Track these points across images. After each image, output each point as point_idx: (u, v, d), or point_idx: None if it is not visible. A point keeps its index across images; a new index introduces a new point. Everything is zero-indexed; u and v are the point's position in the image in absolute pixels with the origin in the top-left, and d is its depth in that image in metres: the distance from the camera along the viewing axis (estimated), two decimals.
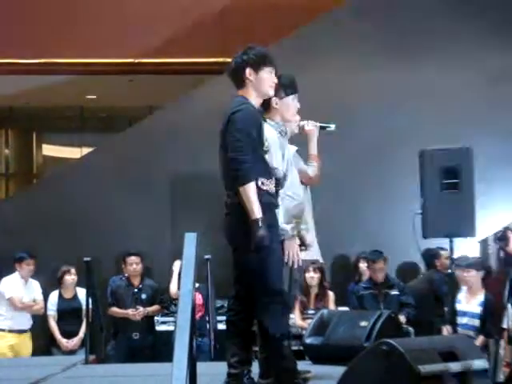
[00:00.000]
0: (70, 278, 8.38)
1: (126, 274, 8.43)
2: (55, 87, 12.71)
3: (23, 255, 8.34)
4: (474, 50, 9.05)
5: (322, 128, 5.24)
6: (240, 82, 4.45)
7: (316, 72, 8.71)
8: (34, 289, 8.41)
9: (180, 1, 12.02)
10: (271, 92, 4.50)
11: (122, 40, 11.84)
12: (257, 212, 4.18)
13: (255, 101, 4.44)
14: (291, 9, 11.57)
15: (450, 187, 6.41)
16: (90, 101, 14.27)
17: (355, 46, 8.94)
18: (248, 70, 4.41)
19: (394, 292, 7.96)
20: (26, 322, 8.31)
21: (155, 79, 12.39)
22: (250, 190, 4.20)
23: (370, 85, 8.94)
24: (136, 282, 8.43)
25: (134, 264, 8.37)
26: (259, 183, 4.32)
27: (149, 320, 8.37)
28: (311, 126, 5.23)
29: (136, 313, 8.23)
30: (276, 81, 4.50)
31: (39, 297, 8.39)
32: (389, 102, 8.95)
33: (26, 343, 8.27)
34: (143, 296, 8.37)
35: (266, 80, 4.45)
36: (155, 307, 8.41)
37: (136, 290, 8.39)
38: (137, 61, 12.12)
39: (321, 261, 5.77)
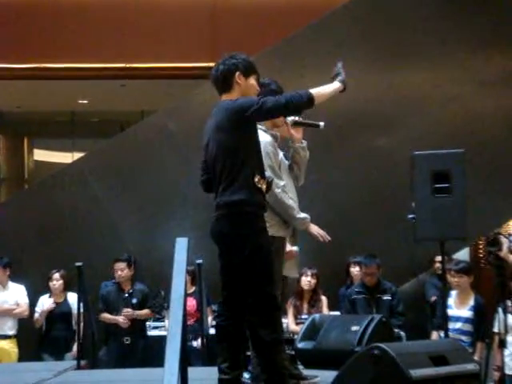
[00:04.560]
0: (52, 283, 8.36)
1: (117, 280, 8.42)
2: (46, 92, 12.70)
3: None
4: (465, 56, 9.07)
5: (311, 126, 5.24)
6: (227, 85, 4.42)
7: (306, 78, 8.71)
8: (17, 293, 8.38)
9: (171, 6, 12.04)
10: None
11: (113, 44, 11.84)
12: (332, 86, 4.44)
13: None
14: (282, 15, 11.60)
15: (441, 191, 6.43)
16: (82, 105, 14.25)
17: (346, 52, 8.95)
18: (238, 74, 4.40)
19: (387, 297, 7.94)
20: (9, 327, 8.27)
21: (147, 84, 12.38)
22: (319, 95, 4.33)
23: (362, 92, 8.94)
24: (126, 287, 8.40)
25: (119, 270, 8.32)
26: (256, 179, 4.31)
27: (140, 325, 8.35)
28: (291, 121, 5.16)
29: (124, 314, 8.19)
30: (259, 89, 4.49)
31: (22, 300, 8.35)
32: (381, 109, 8.96)
33: (9, 349, 8.22)
34: (134, 301, 8.33)
35: (252, 86, 4.45)
36: (145, 311, 8.39)
37: (126, 294, 8.36)
38: (128, 65, 12.11)
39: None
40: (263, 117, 4.39)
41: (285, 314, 7.89)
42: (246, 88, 4.42)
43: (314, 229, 5.07)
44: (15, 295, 8.38)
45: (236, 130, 4.30)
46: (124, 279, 8.34)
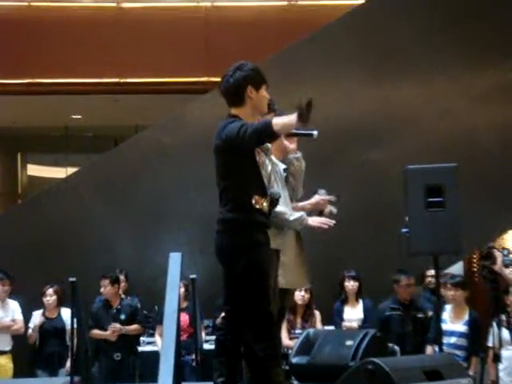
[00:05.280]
0: (46, 299, 8.32)
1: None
2: (40, 107, 12.70)
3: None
4: (458, 70, 9.10)
5: (304, 135, 5.24)
6: (239, 100, 4.37)
7: (299, 92, 8.72)
8: (13, 309, 8.34)
9: (165, 20, 12.07)
10: (266, 109, 4.45)
11: (106, 60, 11.85)
12: (290, 118, 4.07)
13: (251, 119, 4.34)
14: (275, 29, 11.63)
15: (434, 205, 6.43)
16: (75, 121, 14.25)
17: (341, 66, 8.97)
18: (249, 88, 4.35)
19: (421, 315, 7.85)
20: (5, 343, 8.23)
21: (140, 99, 12.40)
22: (278, 123, 4.07)
23: (356, 106, 8.96)
24: (114, 302, 8.37)
25: (102, 287, 8.30)
26: (252, 201, 4.31)
27: (130, 340, 8.31)
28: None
29: (112, 329, 8.16)
30: (269, 97, 4.48)
31: (18, 316, 8.31)
32: (374, 123, 8.96)
33: (6, 365, 8.18)
34: (122, 316, 8.29)
35: (264, 98, 4.41)
36: (134, 327, 8.36)
37: (114, 310, 8.32)
38: (122, 80, 12.14)
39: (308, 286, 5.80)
40: (247, 148, 4.30)
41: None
42: (258, 101, 4.38)
43: (315, 221, 5.05)
44: (11, 311, 8.34)
45: (227, 159, 4.31)
46: (108, 296, 8.30)
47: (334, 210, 5.24)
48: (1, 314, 8.28)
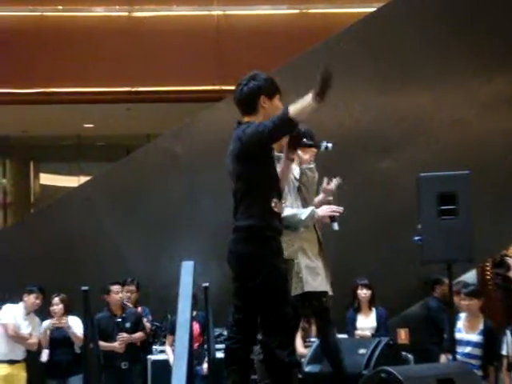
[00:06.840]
0: (52, 308, 8.28)
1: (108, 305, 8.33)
2: (52, 116, 12.73)
3: (33, 288, 8.29)
4: (469, 79, 9.09)
5: (319, 147, 5.24)
6: (252, 109, 4.42)
7: None
8: (35, 323, 8.33)
9: (176, 29, 12.10)
10: None
11: (118, 69, 11.89)
12: (304, 101, 4.13)
13: None
14: (286, 37, 11.64)
15: (447, 213, 6.41)
16: (88, 129, 14.28)
17: (351, 76, 8.96)
18: (263, 97, 4.40)
19: None
20: (19, 352, 8.23)
21: (152, 107, 12.41)
22: (293, 110, 4.12)
23: (367, 114, 8.96)
24: (118, 311, 8.34)
25: (119, 293, 8.29)
26: (272, 204, 4.32)
27: (136, 348, 8.29)
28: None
29: (120, 339, 8.15)
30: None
31: (36, 332, 8.29)
32: (385, 131, 8.96)
33: (19, 374, 8.19)
34: (127, 325, 8.26)
35: (277, 108, 4.42)
36: (139, 334, 8.34)
37: (119, 319, 8.29)
38: (134, 89, 12.16)
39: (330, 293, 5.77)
40: (270, 144, 4.36)
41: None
42: (271, 110, 4.40)
43: (324, 210, 5.07)
44: (32, 325, 8.33)
45: (251, 160, 4.32)
46: (120, 302, 8.29)
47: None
48: (22, 325, 8.28)
